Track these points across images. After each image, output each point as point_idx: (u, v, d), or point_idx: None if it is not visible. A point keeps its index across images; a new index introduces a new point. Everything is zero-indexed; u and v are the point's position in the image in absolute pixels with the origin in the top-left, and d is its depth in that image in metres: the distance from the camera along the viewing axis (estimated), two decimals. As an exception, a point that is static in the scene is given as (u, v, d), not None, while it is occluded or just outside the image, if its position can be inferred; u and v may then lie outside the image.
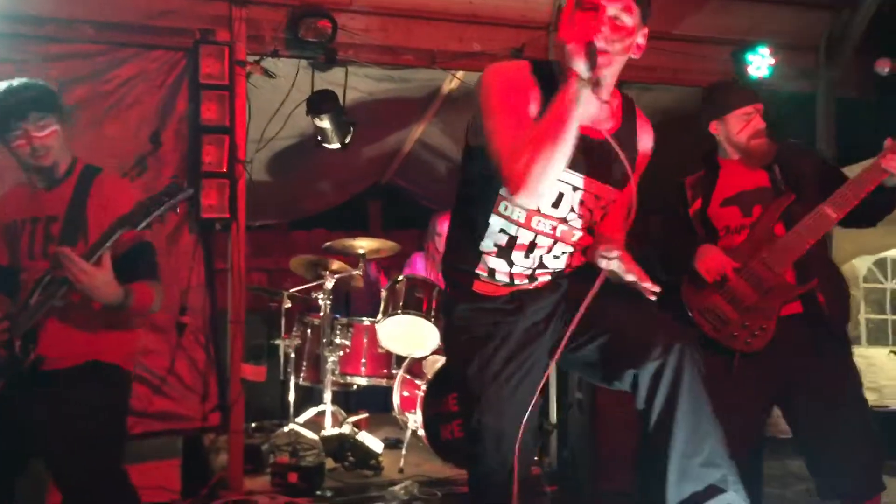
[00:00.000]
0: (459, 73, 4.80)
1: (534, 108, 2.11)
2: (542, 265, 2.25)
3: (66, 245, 2.44)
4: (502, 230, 2.21)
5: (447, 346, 2.36)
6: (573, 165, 2.11)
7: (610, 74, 2.16)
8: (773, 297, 2.88)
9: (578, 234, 2.24)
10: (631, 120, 2.30)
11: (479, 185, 2.21)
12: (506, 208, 2.19)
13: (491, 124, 2.10)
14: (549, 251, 2.24)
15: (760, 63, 4.61)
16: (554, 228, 2.21)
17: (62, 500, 2.52)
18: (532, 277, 2.27)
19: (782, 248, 2.87)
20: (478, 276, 2.26)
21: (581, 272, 2.31)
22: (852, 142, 4.39)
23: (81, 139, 3.78)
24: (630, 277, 2.17)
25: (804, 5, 4.80)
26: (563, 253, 2.27)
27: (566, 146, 2.01)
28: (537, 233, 2.21)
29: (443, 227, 5.42)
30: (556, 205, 2.19)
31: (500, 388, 2.20)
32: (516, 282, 2.26)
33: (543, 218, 2.20)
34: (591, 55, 2.01)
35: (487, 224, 2.22)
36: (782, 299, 2.88)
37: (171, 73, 3.98)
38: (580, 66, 2.01)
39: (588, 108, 2.06)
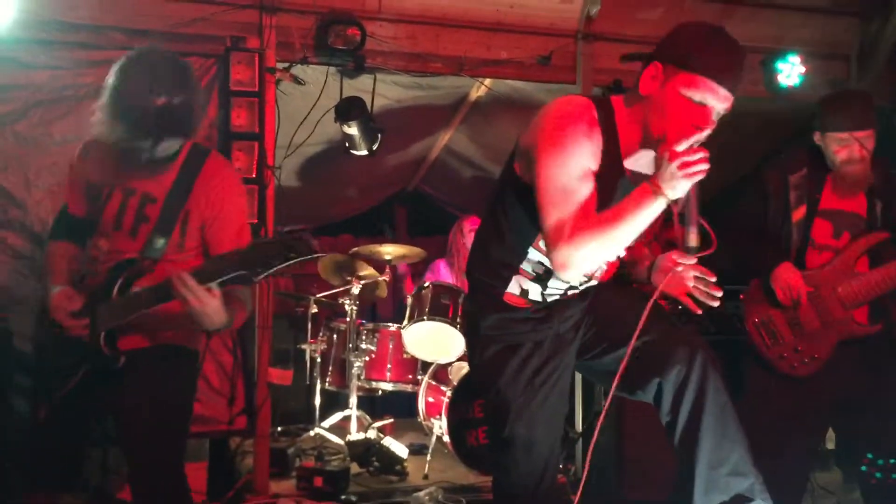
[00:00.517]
0: (487, 81, 4.82)
1: (592, 162, 2.04)
2: (573, 287, 2.26)
3: (161, 233, 2.44)
4: (540, 262, 2.22)
5: (475, 355, 2.35)
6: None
7: None
8: (836, 331, 2.84)
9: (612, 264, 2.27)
10: None
11: (523, 216, 2.19)
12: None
13: (545, 187, 2.02)
14: (581, 284, 2.26)
15: (790, 71, 4.58)
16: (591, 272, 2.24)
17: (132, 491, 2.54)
18: (563, 294, 2.27)
19: (860, 290, 2.82)
20: (510, 291, 2.27)
21: (607, 281, 2.32)
22: (885, 152, 4.34)
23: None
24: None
25: (834, 14, 4.78)
26: (597, 276, 2.28)
27: (623, 245, 2.02)
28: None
29: (471, 226, 5.43)
30: None
31: (532, 397, 2.21)
32: (549, 299, 2.27)
33: None
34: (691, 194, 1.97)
35: (526, 254, 2.22)
36: (844, 336, 2.84)
37: (202, 79, 4.01)
38: (673, 193, 1.94)
39: None
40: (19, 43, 3.71)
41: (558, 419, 2.33)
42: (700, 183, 1.96)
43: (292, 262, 2.22)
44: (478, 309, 2.33)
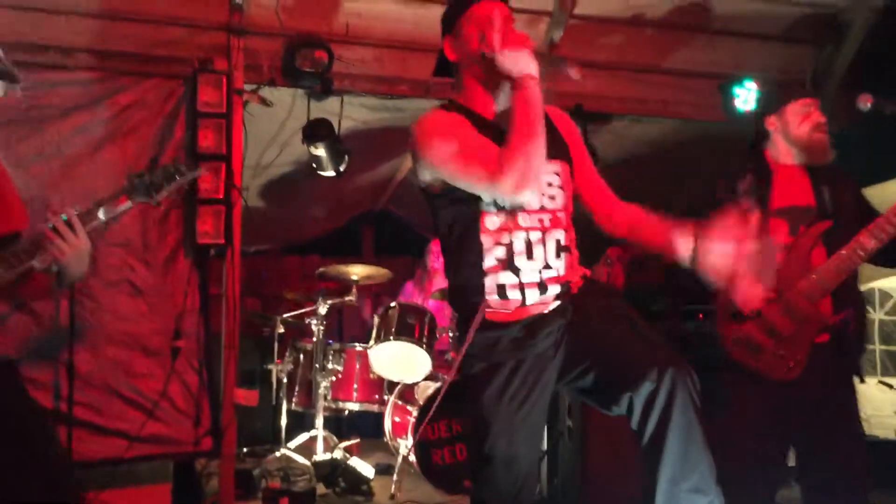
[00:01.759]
0: (453, 104, 4.88)
1: (462, 128, 2.27)
2: (547, 266, 2.31)
3: None
4: (497, 243, 2.28)
5: (460, 370, 2.40)
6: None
7: None
8: (809, 327, 2.82)
9: (562, 216, 2.34)
10: None
11: (457, 219, 2.32)
12: (492, 222, 2.28)
13: (451, 169, 2.23)
14: (545, 246, 2.30)
15: (747, 96, 4.71)
16: (541, 220, 2.30)
17: None
18: (542, 286, 2.31)
19: (821, 280, 2.81)
20: (489, 304, 2.31)
21: (586, 294, 2.37)
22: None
23: (80, 165, 3.85)
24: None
25: (789, 41, 4.91)
26: (561, 247, 2.32)
27: (543, 137, 2.17)
28: (527, 230, 2.28)
29: (435, 247, 5.50)
30: None
31: (513, 414, 2.25)
32: (528, 297, 2.30)
33: (527, 214, 2.29)
34: (556, 60, 2.23)
35: (481, 245, 2.29)
36: (816, 329, 2.83)
37: (169, 100, 4.04)
38: (531, 67, 2.18)
39: None
40: (-17, 63, 3.70)
41: (538, 436, 2.39)
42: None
43: (181, 181, 2.36)
44: (464, 330, 2.39)
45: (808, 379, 2.82)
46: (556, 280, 2.31)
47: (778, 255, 2.88)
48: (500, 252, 2.28)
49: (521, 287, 2.30)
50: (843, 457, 2.82)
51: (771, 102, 3.08)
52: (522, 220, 2.29)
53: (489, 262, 2.29)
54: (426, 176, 2.32)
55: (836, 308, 2.85)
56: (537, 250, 2.30)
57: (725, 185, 3.03)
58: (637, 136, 5.24)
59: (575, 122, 2.55)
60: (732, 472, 2.66)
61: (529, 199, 2.26)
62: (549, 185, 2.34)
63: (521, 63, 2.19)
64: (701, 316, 3.19)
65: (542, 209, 2.31)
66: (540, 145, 2.16)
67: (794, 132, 2.97)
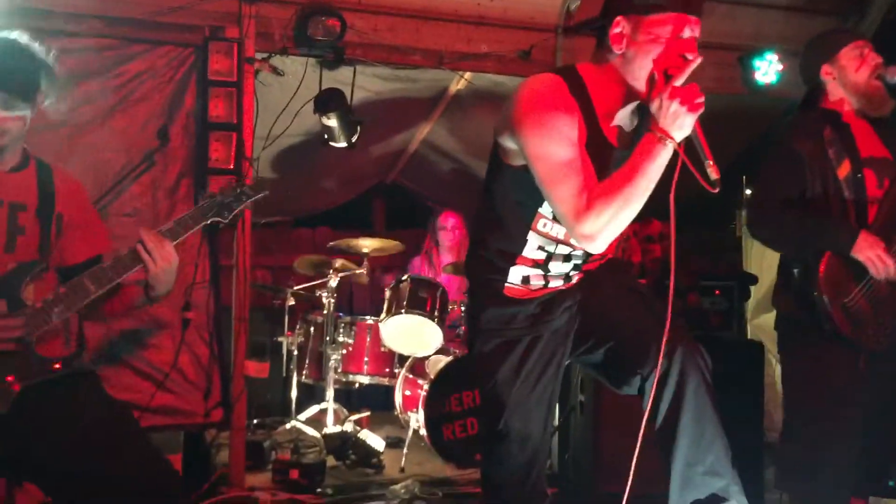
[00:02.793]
0: (467, 74, 4.81)
1: (575, 133, 2.02)
2: (576, 268, 2.27)
3: (42, 242, 2.33)
4: (540, 247, 2.21)
5: (474, 347, 2.36)
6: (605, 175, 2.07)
7: None
8: None
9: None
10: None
11: (516, 201, 2.19)
12: (545, 225, 2.19)
13: (548, 164, 2.00)
14: (584, 259, 2.26)
15: (767, 69, 4.62)
16: None
17: None
18: (567, 278, 2.28)
19: None
20: (510, 283, 2.27)
21: (601, 269, 2.33)
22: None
23: (90, 134, 3.81)
24: None
25: (811, 12, 4.81)
26: (599, 258, 2.28)
27: (642, 201, 1.96)
28: (574, 247, 2.21)
29: (446, 221, 5.45)
30: None
31: (530, 391, 2.23)
32: (550, 284, 2.27)
33: None
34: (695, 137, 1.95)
35: (525, 241, 2.22)
36: None
37: (179, 69, 3.98)
38: (681, 132, 1.93)
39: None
40: (-7, 30, 3.66)
41: (551, 413, 2.36)
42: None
43: (247, 202, 2.50)
44: (478, 303, 2.34)
45: (891, 351, 2.66)
46: (580, 274, 2.28)
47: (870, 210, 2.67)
48: (539, 255, 2.23)
49: (546, 279, 2.26)
50: None
51: (821, 48, 2.85)
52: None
53: (524, 258, 2.23)
54: (512, 144, 2.11)
55: None
56: (575, 259, 2.26)
57: (806, 139, 2.74)
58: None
59: None
60: (820, 440, 2.63)
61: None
62: None
63: (679, 122, 1.91)
64: (718, 292, 3.12)
65: None
66: (635, 212, 1.95)
67: (853, 78, 2.77)
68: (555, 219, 2.14)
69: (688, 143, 1.97)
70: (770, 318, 3.08)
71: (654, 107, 1.95)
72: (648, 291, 2.37)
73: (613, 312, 2.27)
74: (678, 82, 1.93)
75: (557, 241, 2.20)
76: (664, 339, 2.09)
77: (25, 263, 2.29)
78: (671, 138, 1.91)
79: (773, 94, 4.68)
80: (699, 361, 2.18)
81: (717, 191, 1.96)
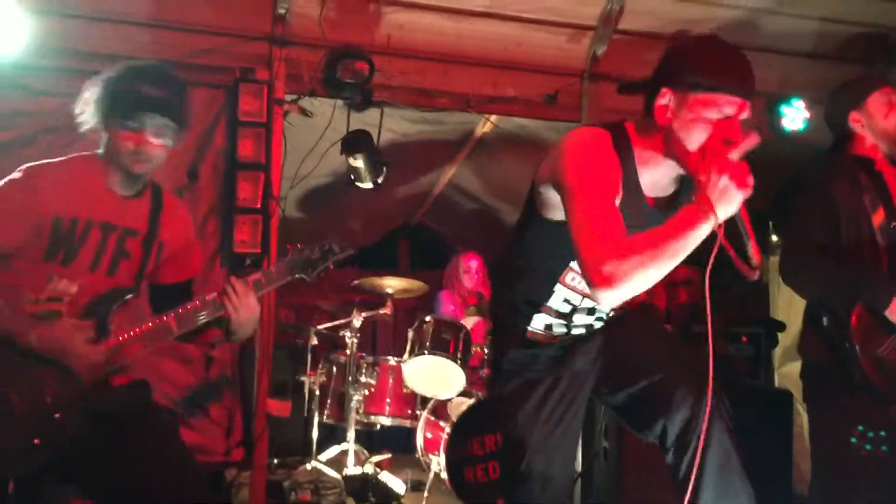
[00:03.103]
0: (493, 117, 4.85)
1: (617, 189, 1.99)
2: (599, 320, 2.26)
3: (143, 267, 2.40)
4: (566, 300, 2.22)
5: (495, 387, 2.36)
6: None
7: None
8: None
9: None
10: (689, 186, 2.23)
11: (548, 253, 2.17)
12: (573, 279, 2.19)
13: (578, 213, 1.92)
14: (607, 315, 2.27)
15: (795, 116, 4.61)
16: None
17: None
18: (589, 327, 2.27)
19: None
20: (533, 328, 2.26)
21: (624, 313, 2.31)
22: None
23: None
24: None
25: (838, 59, 4.81)
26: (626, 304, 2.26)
27: (670, 268, 1.86)
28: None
29: (469, 263, 5.45)
30: None
31: (551, 432, 2.21)
32: (573, 332, 2.26)
33: None
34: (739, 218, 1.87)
35: (552, 292, 2.22)
36: None
37: (210, 109, 4.06)
38: (727, 211, 1.83)
39: None
40: (30, 70, 3.75)
41: (573, 454, 2.34)
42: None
43: (333, 259, 2.48)
44: (500, 344, 2.34)
45: None
46: (602, 323, 2.27)
47: None
48: (565, 308, 2.23)
49: (568, 329, 2.25)
50: None
51: (848, 96, 2.85)
52: None
53: (549, 309, 2.24)
54: (550, 194, 2.08)
55: None
56: (597, 315, 2.26)
57: (843, 185, 2.69)
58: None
59: None
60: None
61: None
62: None
63: (727, 198, 1.81)
64: (745, 339, 3.08)
65: None
66: (656, 276, 1.84)
67: (883, 125, 2.76)
68: (583, 275, 2.07)
69: (730, 222, 1.87)
70: (796, 366, 3.03)
71: (702, 178, 1.85)
72: (673, 337, 2.36)
73: (637, 356, 2.24)
74: (733, 156, 1.85)
75: (584, 296, 2.20)
76: (703, 389, 2.02)
77: (121, 288, 2.35)
78: (715, 214, 1.81)
79: (800, 140, 4.67)
80: (723, 410, 2.14)
81: (756, 276, 1.89)
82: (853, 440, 2.63)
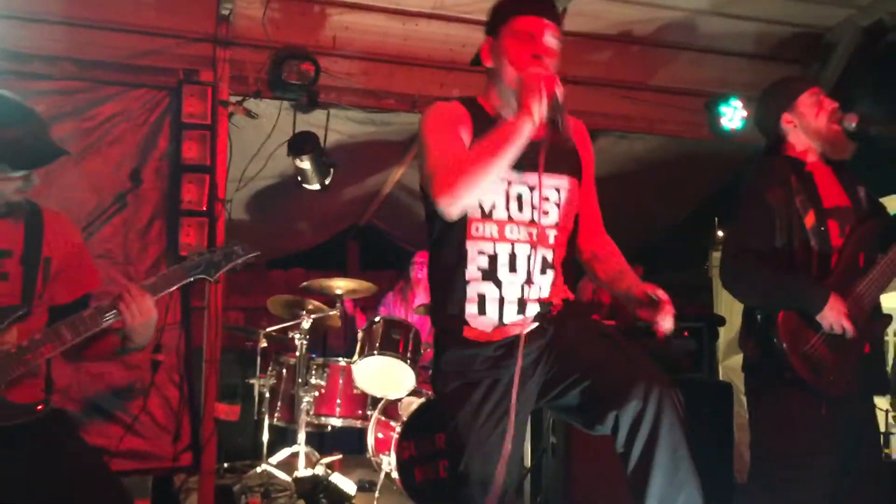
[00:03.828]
0: (440, 118, 4.87)
1: (465, 136, 2.23)
2: (529, 281, 2.28)
3: (26, 286, 2.34)
4: (481, 252, 2.25)
5: (436, 388, 2.37)
6: (523, 165, 2.17)
7: None
8: (861, 337, 2.66)
9: (553, 234, 2.28)
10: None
11: (445, 223, 2.25)
12: (477, 229, 2.24)
13: (425, 151, 2.20)
14: (530, 261, 2.27)
15: (733, 115, 4.73)
16: (530, 234, 2.25)
17: None
18: (521, 304, 2.28)
19: (874, 285, 2.65)
20: (466, 320, 2.28)
21: (565, 316, 2.34)
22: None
23: (62, 175, 3.81)
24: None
25: (775, 60, 4.94)
26: (547, 265, 2.29)
27: (501, 166, 2.09)
28: (514, 242, 2.25)
29: (420, 257, 5.47)
30: (520, 208, 2.25)
31: (489, 433, 2.22)
32: (506, 314, 2.28)
33: (515, 225, 2.25)
34: (556, 107, 2.08)
35: (465, 251, 2.26)
36: (867, 340, 2.69)
37: (153, 111, 4.01)
38: (534, 106, 2.07)
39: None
40: (-34, 71, 3.67)
41: (515, 456, 2.34)
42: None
43: (237, 261, 2.50)
44: (439, 345, 2.36)
45: (854, 394, 2.68)
46: (536, 300, 2.29)
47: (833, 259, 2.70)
48: (483, 261, 2.26)
49: (501, 301, 2.27)
50: (877, 475, 2.74)
51: (778, 97, 2.89)
52: (510, 231, 2.25)
53: (472, 270, 2.26)
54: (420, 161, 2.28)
55: (874, 315, 2.72)
56: (521, 263, 2.27)
57: (776, 187, 2.75)
58: (623, 152, 5.25)
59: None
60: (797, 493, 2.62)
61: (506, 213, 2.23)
62: (546, 199, 2.28)
63: (528, 96, 2.07)
64: (686, 333, 3.14)
65: (532, 223, 2.27)
66: (482, 176, 2.08)
67: (814, 124, 2.81)
68: (483, 216, 2.24)
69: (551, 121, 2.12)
70: (740, 359, 3.11)
71: (519, 88, 2.11)
72: (616, 333, 2.39)
73: (584, 354, 2.27)
74: (532, 70, 2.12)
75: (494, 241, 2.25)
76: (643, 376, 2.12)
77: (4, 308, 2.29)
78: (530, 113, 2.05)
79: (738, 139, 4.79)
80: (675, 401, 2.19)
81: (568, 144, 2.19)
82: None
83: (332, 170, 4.64)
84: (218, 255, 2.48)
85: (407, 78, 4.48)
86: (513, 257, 2.26)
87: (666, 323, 2.18)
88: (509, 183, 2.24)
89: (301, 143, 4.45)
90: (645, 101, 4.76)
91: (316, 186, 4.66)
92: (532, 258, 2.28)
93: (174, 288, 2.40)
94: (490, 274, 2.26)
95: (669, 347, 4.06)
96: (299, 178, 4.66)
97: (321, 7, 4.24)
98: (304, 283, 5.04)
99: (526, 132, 2.07)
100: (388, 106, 4.52)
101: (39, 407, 2.31)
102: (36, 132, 2.34)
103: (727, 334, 5.16)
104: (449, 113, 2.28)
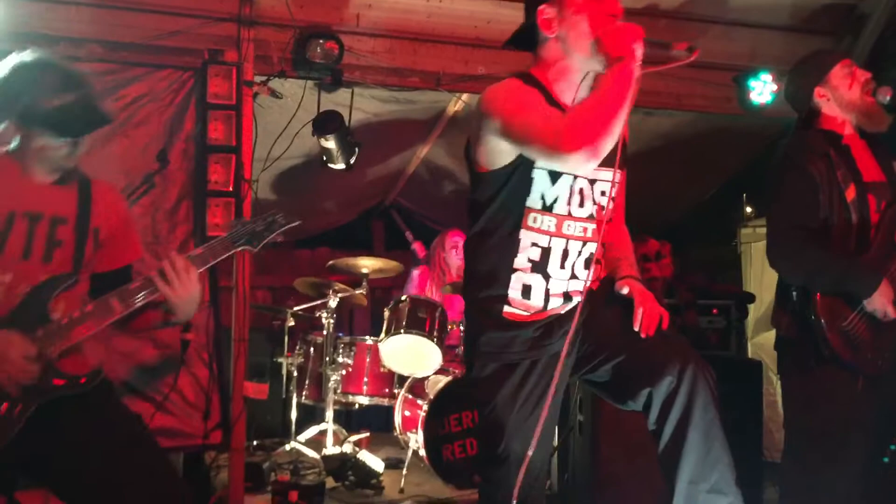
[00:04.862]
0: (464, 96, 4.85)
1: (537, 100, 2.16)
2: (574, 276, 2.27)
3: (77, 255, 2.36)
4: (534, 244, 2.23)
5: (473, 370, 2.36)
6: None
7: None
8: None
9: (604, 228, 2.26)
10: None
11: (501, 204, 2.23)
12: (535, 220, 2.22)
13: (518, 123, 2.10)
14: (580, 256, 2.26)
15: (762, 89, 4.65)
16: (584, 230, 2.25)
17: None
18: (567, 296, 2.28)
19: None
20: (509, 301, 2.27)
21: (600, 291, 2.34)
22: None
23: (90, 157, 3.78)
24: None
25: (806, 32, 4.84)
26: (591, 259, 2.29)
27: (625, 113, 2.02)
28: (569, 238, 2.23)
29: (454, 240, 5.44)
30: (581, 203, 2.23)
31: (528, 415, 2.22)
32: (550, 304, 2.27)
33: (573, 221, 2.23)
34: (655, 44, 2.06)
35: (518, 240, 2.23)
36: None
37: (179, 92, 4.02)
38: (637, 50, 2.02)
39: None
40: (-5, 54, 3.69)
41: (550, 435, 2.36)
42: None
43: (279, 230, 2.49)
44: (476, 326, 2.34)
45: (890, 372, 2.67)
46: (580, 292, 2.28)
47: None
48: (535, 253, 2.23)
49: (547, 294, 2.26)
50: None
51: (810, 72, 2.86)
52: (567, 227, 2.23)
53: (521, 260, 2.24)
54: (489, 138, 2.20)
55: None
56: (570, 260, 2.26)
57: (817, 161, 2.70)
58: (650, 129, 5.18)
59: None
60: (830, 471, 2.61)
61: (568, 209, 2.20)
62: (602, 193, 2.26)
63: (626, 42, 2.02)
64: (715, 311, 3.11)
65: (590, 218, 2.26)
66: (620, 123, 2.01)
67: (848, 96, 2.77)
68: (544, 209, 2.19)
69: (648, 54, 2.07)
70: (770, 336, 3.08)
71: (605, 46, 2.05)
72: None
73: (618, 330, 2.27)
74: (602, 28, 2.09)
75: (550, 235, 2.22)
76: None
77: (58, 276, 2.31)
78: (631, 53, 2.01)
79: (768, 114, 4.71)
80: (708, 378, 2.18)
81: (693, 56, 2.08)
82: (885, 460, 2.73)
83: (356, 149, 4.64)
84: (260, 224, 2.47)
85: (431, 55, 4.45)
86: (565, 253, 2.25)
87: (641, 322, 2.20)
88: (575, 177, 2.21)
89: (326, 123, 4.45)
90: (672, 76, 4.68)
91: (341, 166, 4.66)
92: (581, 253, 2.27)
93: (220, 259, 2.39)
94: (540, 267, 2.24)
95: (698, 325, 4.03)
96: (324, 158, 4.67)
97: (344, -15, 4.22)
98: (331, 262, 5.06)
99: (636, 76, 2.02)
100: (413, 84, 4.50)
101: (82, 381, 2.32)
102: (84, 100, 2.34)
103: (755, 312, 5.12)
104: (518, 87, 2.19)
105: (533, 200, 2.19)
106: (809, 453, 2.72)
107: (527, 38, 2.31)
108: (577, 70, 2.21)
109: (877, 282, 2.60)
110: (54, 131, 2.28)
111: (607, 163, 2.14)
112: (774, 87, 4.63)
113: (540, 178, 2.19)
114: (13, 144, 2.34)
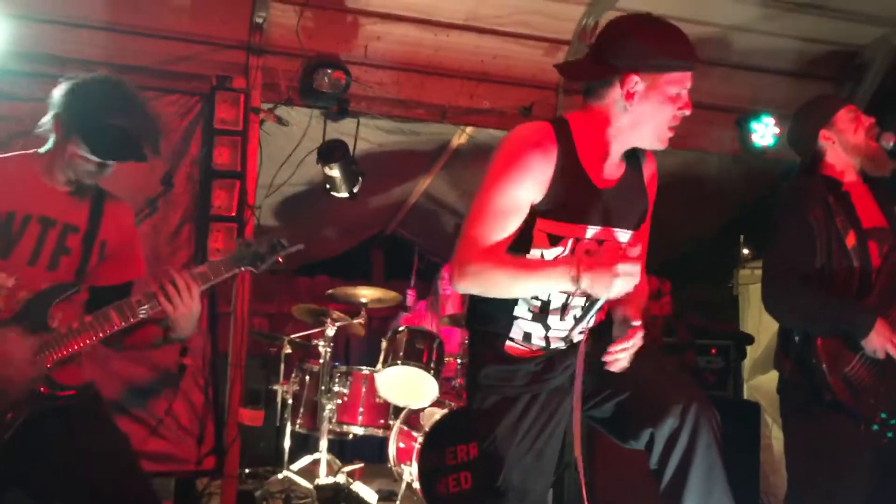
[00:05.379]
0: (468, 129, 4.89)
1: (536, 191, 2.08)
2: (575, 325, 2.26)
3: (82, 265, 2.36)
4: (535, 297, 2.20)
5: (473, 402, 2.34)
6: (591, 219, 2.12)
7: None
8: None
9: None
10: (635, 159, 2.29)
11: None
12: None
13: (480, 197, 2.10)
14: (583, 311, 2.24)
15: (764, 132, 4.70)
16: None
17: None
18: (568, 339, 2.27)
19: None
20: (511, 338, 2.27)
21: (603, 327, 2.32)
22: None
23: (95, 177, 3.85)
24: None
25: (808, 77, 4.90)
26: (597, 310, 2.27)
27: (518, 293, 2.10)
28: (570, 294, 2.18)
29: (447, 271, 5.44)
30: None
31: (527, 449, 2.21)
32: (552, 346, 2.27)
33: None
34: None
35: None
36: None
37: (186, 116, 4.05)
38: (587, 285, 1.98)
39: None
40: (3, 74, 3.73)
41: (550, 469, 2.33)
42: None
43: (282, 253, 2.50)
44: (478, 359, 2.33)
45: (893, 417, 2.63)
46: (582, 333, 2.28)
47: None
48: (535, 304, 2.21)
49: (547, 340, 2.25)
50: None
51: (815, 115, 2.88)
52: None
53: (521, 310, 2.22)
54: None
55: None
56: (573, 313, 2.24)
57: (817, 207, 2.72)
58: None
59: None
60: None
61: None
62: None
63: (603, 285, 1.97)
64: (714, 351, 3.10)
65: None
66: (494, 290, 2.08)
67: (853, 140, 2.79)
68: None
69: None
70: (766, 378, 3.08)
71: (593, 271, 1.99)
72: (655, 348, 2.37)
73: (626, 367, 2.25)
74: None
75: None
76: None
77: (60, 284, 2.32)
78: (578, 282, 1.97)
79: (769, 156, 4.75)
80: (711, 420, 2.16)
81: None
82: (875, 427, 2.64)
83: (360, 178, 4.66)
84: (264, 246, 2.48)
85: (437, 88, 4.49)
86: (565, 307, 2.22)
87: (614, 354, 2.12)
88: (577, 239, 2.15)
89: (331, 151, 4.48)
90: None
91: (344, 194, 4.68)
92: (583, 307, 2.25)
93: (222, 278, 2.39)
94: (540, 317, 2.23)
95: (696, 365, 4.02)
96: (328, 186, 4.69)
97: (354, 17, 4.26)
98: (330, 291, 5.05)
99: (562, 286, 2.02)
100: (418, 116, 4.54)
101: (72, 392, 2.32)
102: (134, 131, 2.36)
103: (752, 353, 5.11)
104: (529, 155, 2.08)
105: (533, 252, 2.15)
106: (812, 497, 2.70)
107: (582, 77, 2.26)
108: (616, 141, 2.15)
109: (872, 320, 2.59)
110: (90, 145, 2.30)
111: (625, 224, 2.17)
112: (776, 130, 4.67)
113: (540, 239, 2.14)
114: (46, 145, 2.38)
